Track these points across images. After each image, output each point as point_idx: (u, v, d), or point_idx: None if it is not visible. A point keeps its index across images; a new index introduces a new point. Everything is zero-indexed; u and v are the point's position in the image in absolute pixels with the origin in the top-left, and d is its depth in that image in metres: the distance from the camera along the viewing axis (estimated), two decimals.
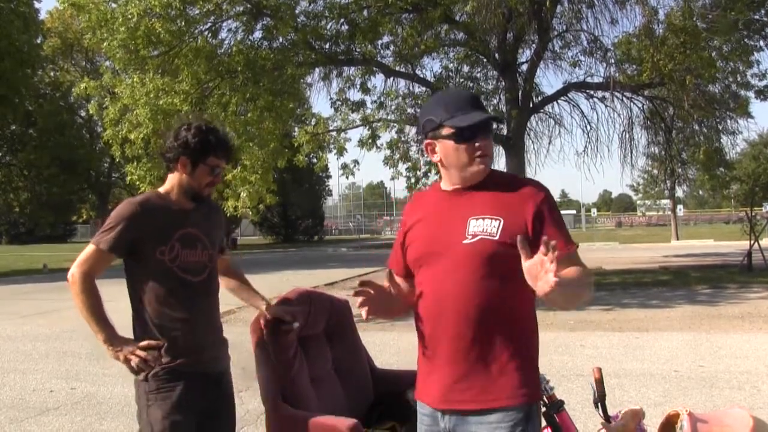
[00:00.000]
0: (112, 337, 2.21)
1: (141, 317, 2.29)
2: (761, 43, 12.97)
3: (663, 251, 21.89)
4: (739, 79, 13.48)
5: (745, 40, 12.15)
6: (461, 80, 14.54)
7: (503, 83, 13.82)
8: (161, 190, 2.39)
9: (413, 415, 1.87)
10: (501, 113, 13.94)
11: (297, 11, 11.50)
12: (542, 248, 1.46)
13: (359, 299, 1.79)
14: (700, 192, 51.29)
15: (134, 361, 2.20)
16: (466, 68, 14.76)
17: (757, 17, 12.62)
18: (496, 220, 1.68)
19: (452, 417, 1.71)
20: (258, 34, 11.81)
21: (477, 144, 1.73)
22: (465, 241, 1.68)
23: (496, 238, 1.66)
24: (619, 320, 8.21)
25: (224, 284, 2.61)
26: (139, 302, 2.29)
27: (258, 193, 12.26)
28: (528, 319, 1.75)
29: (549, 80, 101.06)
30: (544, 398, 2.12)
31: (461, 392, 1.68)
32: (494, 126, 1.79)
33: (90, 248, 2.25)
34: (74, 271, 2.23)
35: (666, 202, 43.67)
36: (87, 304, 2.20)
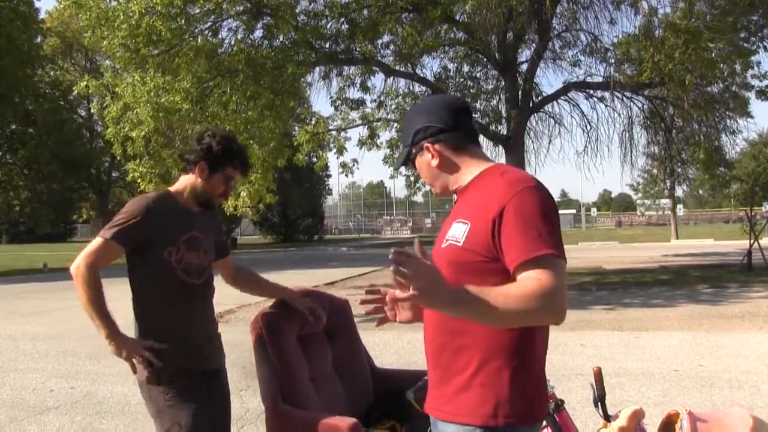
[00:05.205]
0: (114, 335, 2.20)
1: (143, 315, 2.30)
2: (759, 44, 12.97)
3: (663, 251, 21.89)
4: (738, 80, 13.48)
5: (742, 43, 12.13)
6: (461, 80, 14.55)
7: (503, 83, 13.83)
8: (172, 189, 2.40)
9: (413, 416, 1.87)
10: (499, 113, 13.94)
11: (297, 10, 11.51)
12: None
13: (368, 308, 1.76)
14: (700, 191, 51.36)
15: (137, 361, 2.21)
16: (466, 68, 14.79)
17: (755, 18, 12.63)
18: (464, 224, 1.59)
19: (431, 418, 1.71)
20: (258, 33, 11.85)
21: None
22: (442, 246, 1.64)
23: (461, 244, 1.57)
24: (619, 319, 8.22)
25: (246, 290, 2.71)
26: (141, 300, 2.30)
27: (258, 192, 12.27)
28: (505, 331, 1.55)
29: (549, 80, 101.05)
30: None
31: (435, 399, 1.67)
32: (413, 153, 1.73)
33: (98, 240, 2.23)
34: (79, 262, 2.20)
35: (666, 202, 43.63)
36: (90, 298, 2.19)
